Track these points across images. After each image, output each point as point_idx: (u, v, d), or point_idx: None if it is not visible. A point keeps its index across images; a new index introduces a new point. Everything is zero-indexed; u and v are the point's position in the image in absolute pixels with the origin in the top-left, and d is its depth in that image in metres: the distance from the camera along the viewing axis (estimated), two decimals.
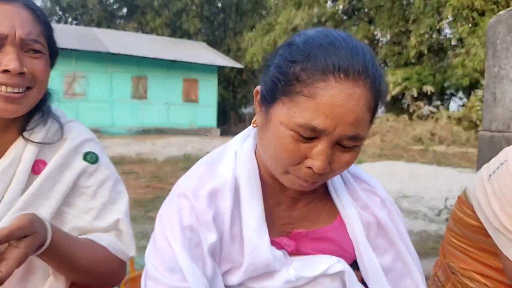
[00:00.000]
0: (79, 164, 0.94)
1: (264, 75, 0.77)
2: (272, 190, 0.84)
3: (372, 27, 16.87)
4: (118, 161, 8.02)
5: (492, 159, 1.00)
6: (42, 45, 0.89)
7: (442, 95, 18.50)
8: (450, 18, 14.12)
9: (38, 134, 0.92)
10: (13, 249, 0.71)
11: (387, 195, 0.92)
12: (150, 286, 0.76)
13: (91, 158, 0.97)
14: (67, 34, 15.54)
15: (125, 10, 26.38)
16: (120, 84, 16.52)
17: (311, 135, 0.69)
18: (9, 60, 0.82)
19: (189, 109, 17.95)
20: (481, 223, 0.95)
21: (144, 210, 4.26)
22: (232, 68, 21.37)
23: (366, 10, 17.62)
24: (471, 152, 11.17)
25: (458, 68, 13.71)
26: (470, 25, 13.65)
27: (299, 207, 0.86)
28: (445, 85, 16.63)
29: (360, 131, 0.70)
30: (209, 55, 19.06)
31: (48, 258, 0.82)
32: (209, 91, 18.55)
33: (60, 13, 25.83)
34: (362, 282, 0.86)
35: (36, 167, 0.91)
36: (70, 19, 25.85)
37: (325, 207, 0.88)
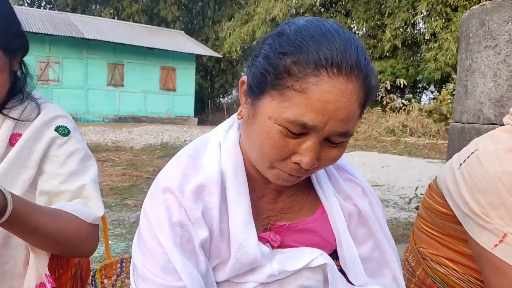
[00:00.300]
0: (51, 134, 0.99)
1: (251, 65, 0.73)
2: (256, 183, 0.83)
3: (348, 20, 17.05)
4: (93, 149, 7.91)
5: (463, 149, 1.03)
6: None
7: (415, 88, 18.95)
8: (425, 13, 14.41)
9: (15, 111, 0.98)
10: None
11: (368, 184, 0.93)
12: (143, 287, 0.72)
13: (63, 130, 1.01)
14: (40, 19, 15.09)
15: None
16: (96, 71, 16.18)
17: (300, 131, 0.67)
18: None
19: (166, 98, 17.76)
20: (450, 210, 0.98)
21: (120, 197, 4.24)
22: (210, 57, 21.21)
23: (343, 3, 17.76)
24: (440, 143, 11.55)
25: (430, 62, 14.04)
26: (443, 20, 13.99)
27: (282, 199, 0.85)
28: (417, 78, 17.02)
29: (350, 127, 0.68)
30: (187, 43, 18.85)
31: (10, 227, 0.82)
32: (186, 80, 18.38)
33: None
34: (341, 271, 0.87)
35: (13, 139, 0.97)
36: (43, 3, 24.95)
37: (308, 198, 0.87)
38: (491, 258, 0.86)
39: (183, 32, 21.22)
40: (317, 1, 17.59)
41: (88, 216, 0.95)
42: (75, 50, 15.68)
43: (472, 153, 0.96)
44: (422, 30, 16.37)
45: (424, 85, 18.95)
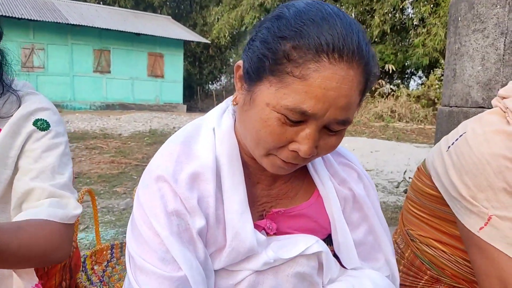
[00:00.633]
0: (29, 128, 0.93)
1: (247, 50, 0.71)
2: (251, 169, 0.82)
3: (337, 5, 16.96)
4: (80, 136, 7.83)
5: (451, 132, 1.03)
6: None
7: (403, 73, 19.04)
8: None
9: None
10: None
11: (363, 169, 0.92)
12: (143, 280, 0.70)
13: (42, 124, 0.95)
14: (23, 4, 14.72)
15: None
16: (81, 57, 15.91)
17: (299, 119, 0.65)
18: None
19: (154, 84, 17.58)
20: (439, 192, 0.99)
21: (109, 185, 4.21)
22: (198, 43, 20.98)
23: None
24: (428, 128, 11.67)
25: (419, 47, 14.11)
26: (431, 5, 14.01)
27: (277, 185, 0.84)
28: (406, 64, 17.09)
29: (350, 115, 0.67)
30: (175, 29, 18.60)
31: None
32: (175, 66, 18.20)
33: None
34: (335, 255, 0.88)
35: None
36: None
37: (303, 183, 0.87)
38: (477, 240, 0.87)
39: (170, 17, 20.92)
40: None
41: (63, 217, 0.89)
42: (60, 36, 15.37)
43: (460, 135, 0.97)
44: (410, 15, 16.38)
45: (413, 70, 19.05)
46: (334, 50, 0.61)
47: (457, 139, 0.97)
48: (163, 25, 18.36)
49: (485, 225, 0.86)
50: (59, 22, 14.72)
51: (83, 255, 1.34)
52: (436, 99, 13.66)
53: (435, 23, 13.62)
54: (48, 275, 1.00)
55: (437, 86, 13.69)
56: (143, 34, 16.50)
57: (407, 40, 16.92)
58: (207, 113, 0.86)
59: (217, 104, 0.90)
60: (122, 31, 15.94)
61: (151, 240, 0.70)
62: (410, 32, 16.22)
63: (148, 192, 0.73)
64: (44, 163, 0.92)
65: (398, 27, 16.63)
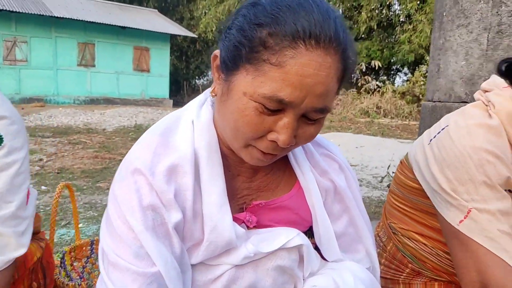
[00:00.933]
0: None
1: (224, 38, 0.70)
2: (231, 162, 0.81)
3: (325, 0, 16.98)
4: (63, 131, 7.71)
5: (434, 125, 1.03)
6: None
7: (389, 70, 19.21)
8: None
9: None
10: None
11: (345, 160, 0.92)
12: (116, 276, 0.68)
13: None
14: None
15: None
16: (65, 50, 15.63)
17: (277, 107, 0.64)
18: None
19: (140, 79, 17.39)
20: (420, 185, 0.99)
21: (93, 180, 4.15)
22: (185, 37, 20.81)
23: None
24: (412, 124, 11.81)
25: (404, 44, 14.25)
26: (418, 2, 14.13)
27: (258, 177, 0.83)
28: (392, 60, 17.25)
29: (328, 103, 0.66)
30: (161, 22, 18.39)
31: None
32: (161, 61, 18.01)
33: None
34: (316, 247, 0.87)
35: None
36: None
37: (284, 175, 0.86)
38: (457, 233, 0.87)
39: (156, 10, 20.68)
40: None
41: (2, 264, 0.78)
42: (44, 28, 15.07)
43: (442, 128, 0.97)
44: (397, 12, 16.50)
45: (398, 67, 19.24)
46: (311, 37, 0.61)
47: (439, 132, 0.97)
48: (149, 19, 18.14)
49: (465, 218, 0.86)
50: (43, 15, 14.42)
51: (62, 251, 1.31)
52: (421, 95, 13.82)
53: (421, 20, 13.77)
54: (14, 284, 0.95)
55: (422, 82, 13.85)
56: (129, 28, 16.29)
57: (394, 36, 17.07)
58: (186, 104, 0.84)
59: None
60: (107, 24, 15.70)
61: (125, 235, 0.68)
62: (397, 28, 16.37)
63: (124, 186, 0.71)
64: None
65: (385, 23, 16.76)
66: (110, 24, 15.74)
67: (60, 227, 2.64)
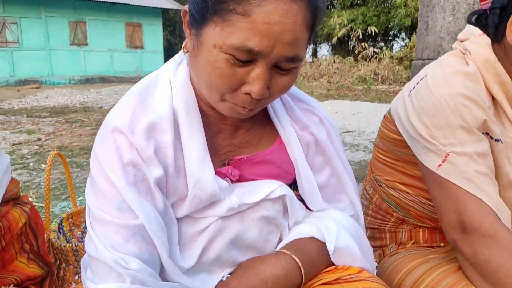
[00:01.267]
0: None
1: None
2: (211, 119, 0.82)
3: None
4: (60, 111, 7.70)
5: (413, 77, 1.04)
6: None
7: (386, 36, 18.95)
8: None
9: None
10: None
11: (325, 113, 0.93)
12: (99, 229, 0.71)
13: None
14: None
15: None
16: (57, 30, 15.37)
17: (247, 58, 0.64)
18: None
19: (134, 56, 17.18)
20: (402, 136, 1.02)
21: None
22: (177, 12, 20.41)
23: None
24: None
25: (400, 8, 14.00)
26: None
27: (240, 134, 0.85)
28: (388, 26, 16.99)
29: (298, 51, 0.66)
30: None
31: None
32: (154, 36, 17.75)
33: None
34: (301, 199, 0.91)
35: None
36: None
37: (265, 131, 0.88)
38: (436, 177, 0.90)
39: None
40: None
41: None
42: (33, 8, 14.77)
43: (421, 79, 0.98)
44: None
45: (395, 32, 18.96)
46: None
47: (418, 83, 0.99)
48: None
49: (443, 162, 0.89)
50: None
51: (59, 217, 1.35)
52: None
53: None
54: (3, 249, 0.98)
55: None
56: (119, 3, 15.96)
57: (389, 1, 16.74)
58: (163, 64, 0.85)
59: None
60: (97, 1, 15.38)
61: (107, 191, 0.71)
62: None
63: (104, 145, 0.73)
64: None
65: None
66: (99, 1, 15.43)
67: (61, 201, 2.69)
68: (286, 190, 0.86)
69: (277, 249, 0.87)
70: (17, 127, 5.72)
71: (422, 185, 1.04)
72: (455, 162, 0.87)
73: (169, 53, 20.63)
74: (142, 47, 17.45)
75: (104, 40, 16.34)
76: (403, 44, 18.69)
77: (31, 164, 3.75)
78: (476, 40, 0.96)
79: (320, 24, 0.72)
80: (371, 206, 1.22)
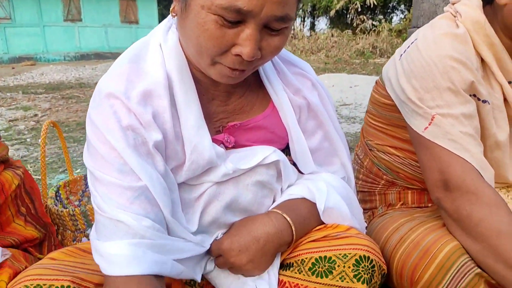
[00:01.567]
0: None
1: None
2: (204, 86, 0.82)
3: None
4: (56, 87, 7.65)
5: (405, 42, 1.06)
6: None
7: (385, 8, 18.63)
8: None
9: None
10: None
11: (317, 77, 0.94)
12: (102, 191, 0.71)
13: None
14: None
15: None
16: (50, 6, 15.06)
17: (236, 18, 0.64)
18: None
19: (129, 31, 16.91)
20: (392, 101, 1.04)
21: None
22: None
23: None
24: None
25: None
26: None
27: (233, 100, 0.85)
28: None
29: (288, 10, 0.65)
30: None
31: None
32: (149, 11, 17.42)
33: None
34: (294, 164, 0.93)
35: None
36: None
37: (258, 97, 0.88)
38: (422, 140, 0.92)
39: None
40: None
41: None
42: None
43: (412, 42, 0.99)
44: None
45: (394, 4, 18.63)
46: None
47: (408, 46, 0.99)
48: None
49: (429, 124, 0.90)
50: None
51: (57, 185, 1.38)
52: None
53: None
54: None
55: None
56: None
57: None
58: (152, 30, 0.84)
59: None
60: None
61: (107, 154, 0.70)
62: None
63: (100, 111, 0.72)
64: None
65: None
66: None
67: (58, 173, 2.71)
68: (279, 155, 0.87)
69: (269, 209, 0.90)
70: (13, 103, 5.70)
71: (411, 148, 1.06)
72: (441, 124, 0.89)
73: None
74: (137, 22, 17.16)
75: (98, 15, 16.04)
76: (402, 17, 18.40)
77: (28, 140, 3.76)
78: (467, 2, 0.96)
79: None
80: (362, 170, 1.24)
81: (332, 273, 0.83)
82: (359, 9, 15.81)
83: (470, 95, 0.92)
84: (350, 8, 16.30)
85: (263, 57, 0.71)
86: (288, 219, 0.85)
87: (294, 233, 0.85)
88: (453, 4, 1.02)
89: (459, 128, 0.88)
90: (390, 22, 17.95)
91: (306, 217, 0.89)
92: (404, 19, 15.46)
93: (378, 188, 1.19)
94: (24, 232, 1.06)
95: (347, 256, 0.84)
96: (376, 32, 15.00)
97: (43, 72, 10.34)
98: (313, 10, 19.33)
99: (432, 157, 0.90)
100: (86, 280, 0.77)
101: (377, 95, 1.13)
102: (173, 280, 0.91)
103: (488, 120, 0.94)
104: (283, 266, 0.89)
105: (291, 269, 0.87)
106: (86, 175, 1.46)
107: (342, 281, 0.83)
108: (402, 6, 18.67)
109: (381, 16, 18.30)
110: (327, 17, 19.31)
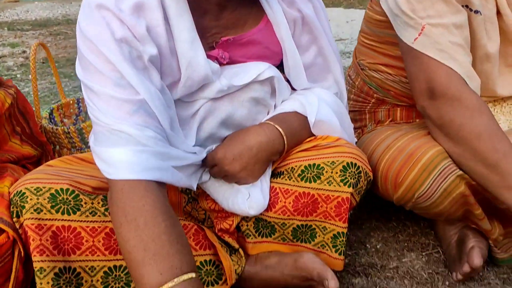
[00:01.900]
0: None
1: None
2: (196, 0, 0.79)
3: None
4: (43, 23, 7.38)
5: None
6: None
7: None
8: None
9: None
10: None
11: None
12: (100, 104, 0.69)
13: None
14: None
15: None
16: None
17: None
18: None
19: None
20: (386, 16, 1.01)
21: None
22: None
23: None
24: None
25: None
26: None
27: (225, 15, 0.83)
28: None
29: None
30: None
31: None
32: None
33: None
34: (287, 81, 0.93)
35: None
36: None
37: (252, 11, 0.86)
38: (412, 51, 0.92)
39: None
40: None
41: None
42: None
43: None
44: None
45: None
46: None
47: None
48: None
49: (419, 35, 0.90)
50: None
51: (49, 108, 1.38)
52: None
53: None
54: None
55: None
56: None
57: None
58: None
59: None
60: None
61: (103, 67, 0.69)
62: None
63: (92, 22, 0.70)
64: None
65: None
66: None
67: (51, 105, 2.71)
68: (274, 71, 0.87)
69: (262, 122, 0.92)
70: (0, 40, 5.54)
71: (402, 65, 1.06)
72: (430, 33, 0.89)
73: None
74: None
75: None
76: None
77: (18, 76, 3.71)
78: None
79: None
80: (353, 90, 1.26)
81: (320, 178, 0.88)
82: None
83: (462, 6, 0.91)
84: None
85: None
86: (280, 129, 0.88)
87: (285, 142, 0.88)
88: None
89: (449, 38, 0.88)
90: None
91: (297, 129, 0.91)
92: None
93: (368, 107, 1.21)
94: (21, 150, 1.08)
95: (335, 163, 0.87)
96: None
97: (28, 9, 9.92)
98: None
99: (420, 67, 0.91)
100: (84, 184, 0.80)
101: (371, 12, 1.11)
102: (170, 188, 0.96)
103: (479, 31, 0.94)
104: (274, 174, 0.93)
105: (282, 176, 0.92)
106: (78, 98, 1.47)
107: (330, 185, 0.87)
108: None
109: None
110: None
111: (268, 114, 0.94)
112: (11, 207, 0.76)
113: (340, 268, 0.91)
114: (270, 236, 0.93)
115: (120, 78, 0.69)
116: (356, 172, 0.87)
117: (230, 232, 0.93)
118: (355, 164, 0.87)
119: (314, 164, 0.88)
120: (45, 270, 0.73)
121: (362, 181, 0.89)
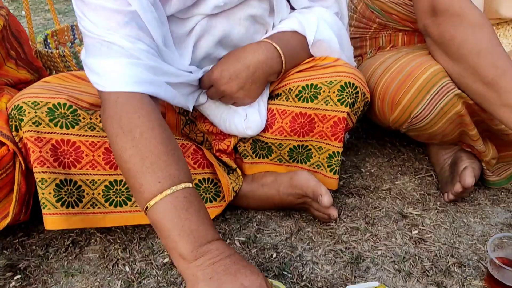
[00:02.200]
0: None
1: None
2: None
3: None
4: None
5: None
6: None
7: None
8: None
9: None
10: None
11: None
12: (90, 15, 0.68)
13: None
14: None
15: None
16: None
17: None
18: None
19: None
20: None
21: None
22: None
23: None
24: None
25: None
26: None
27: None
28: None
29: None
30: None
31: None
32: None
33: None
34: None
35: None
36: None
37: None
38: None
39: None
40: None
41: None
42: None
43: None
44: None
45: None
46: None
47: None
48: None
49: None
50: None
51: (44, 33, 1.35)
52: None
53: None
54: None
55: None
56: None
57: None
58: None
59: None
60: None
61: None
62: None
63: None
64: None
65: None
66: None
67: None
68: None
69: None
70: None
71: None
72: None
73: None
74: None
75: None
76: None
77: (10, 11, 3.58)
78: None
79: None
80: (355, 16, 1.22)
81: (317, 98, 0.87)
82: None
83: None
84: None
85: None
86: (278, 48, 0.86)
87: (283, 61, 0.87)
88: None
89: None
90: None
91: (296, 49, 0.90)
92: None
93: (369, 33, 1.18)
94: (17, 75, 1.07)
95: (333, 82, 0.87)
96: None
97: None
98: None
99: None
100: (82, 100, 0.80)
101: None
102: (168, 109, 0.96)
103: None
104: (272, 96, 0.92)
105: (279, 98, 0.91)
106: (72, 25, 1.43)
107: (327, 104, 0.87)
108: None
109: None
110: None
111: (266, 34, 0.92)
112: (10, 121, 0.77)
113: (335, 187, 0.94)
114: (267, 157, 0.95)
115: None
116: (353, 92, 0.87)
117: (228, 153, 0.94)
118: (353, 84, 0.86)
119: (311, 84, 0.88)
120: (46, 181, 0.75)
121: (359, 101, 0.89)
